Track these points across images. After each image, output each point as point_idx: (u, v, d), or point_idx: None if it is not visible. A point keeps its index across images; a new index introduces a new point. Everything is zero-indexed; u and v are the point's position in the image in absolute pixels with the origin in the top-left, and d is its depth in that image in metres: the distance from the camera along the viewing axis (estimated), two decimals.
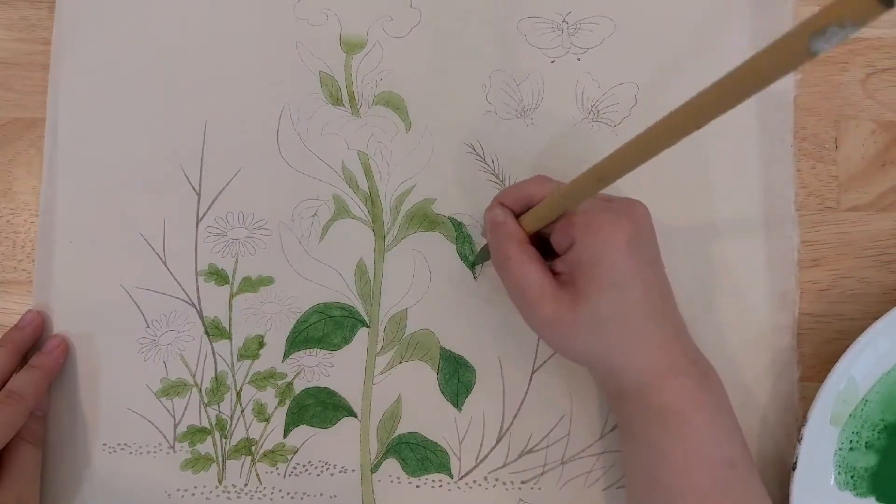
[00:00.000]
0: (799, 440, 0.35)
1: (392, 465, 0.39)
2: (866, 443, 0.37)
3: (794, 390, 0.39)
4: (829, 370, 0.35)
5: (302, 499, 0.39)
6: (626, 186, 0.40)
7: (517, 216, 0.35)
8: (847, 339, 0.36)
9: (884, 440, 0.37)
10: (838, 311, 0.40)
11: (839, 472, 0.37)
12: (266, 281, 0.40)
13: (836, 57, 0.41)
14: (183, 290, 0.40)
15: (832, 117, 0.41)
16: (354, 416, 0.39)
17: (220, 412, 0.40)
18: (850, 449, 0.37)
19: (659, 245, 0.34)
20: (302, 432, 0.39)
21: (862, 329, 0.36)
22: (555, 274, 0.33)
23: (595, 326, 0.32)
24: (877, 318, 0.36)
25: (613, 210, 0.33)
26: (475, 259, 0.40)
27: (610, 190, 0.39)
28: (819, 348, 0.39)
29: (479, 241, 0.40)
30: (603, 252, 0.31)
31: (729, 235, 0.40)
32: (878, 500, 0.37)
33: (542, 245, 0.35)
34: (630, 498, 0.34)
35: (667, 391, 0.32)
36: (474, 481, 0.39)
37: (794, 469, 0.35)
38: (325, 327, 0.40)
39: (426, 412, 0.39)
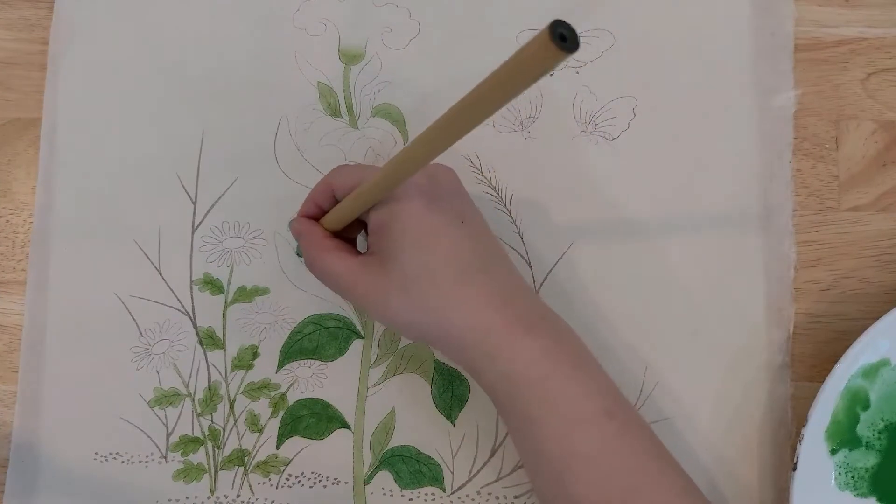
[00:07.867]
0: (799, 440, 0.35)
1: (385, 478, 0.39)
2: (866, 443, 0.36)
3: (787, 399, 0.39)
4: (829, 370, 0.35)
5: None
6: (626, 201, 0.40)
7: (326, 211, 0.35)
8: (847, 339, 0.35)
9: (884, 440, 0.36)
10: (838, 311, 0.39)
11: (839, 473, 0.36)
12: (261, 291, 0.40)
13: (837, 56, 0.41)
14: (177, 298, 0.40)
15: (832, 117, 0.40)
16: (348, 427, 0.39)
17: (213, 422, 0.39)
18: (851, 449, 0.36)
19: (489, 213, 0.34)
20: (295, 443, 0.39)
21: (862, 329, 0.35)
22: (369, 251, 0.34)
23: (406, 288, 0.31)
24: (877, 318, 0.35)
25: None
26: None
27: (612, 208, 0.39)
28: (819, 348, 0.39)
29: None
30: (398, 211, 0.31)
31: (726, 249, 0.39)
32: (878, 500, 0.36)
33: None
34: (532, 482, 0.33)
35: (518, 353, 0.30)
36: (467, 495, 0.39)
37: (794, 469, 0.35)
38: (319, 338, 0.40)
39: (420, 425, 0.39)
